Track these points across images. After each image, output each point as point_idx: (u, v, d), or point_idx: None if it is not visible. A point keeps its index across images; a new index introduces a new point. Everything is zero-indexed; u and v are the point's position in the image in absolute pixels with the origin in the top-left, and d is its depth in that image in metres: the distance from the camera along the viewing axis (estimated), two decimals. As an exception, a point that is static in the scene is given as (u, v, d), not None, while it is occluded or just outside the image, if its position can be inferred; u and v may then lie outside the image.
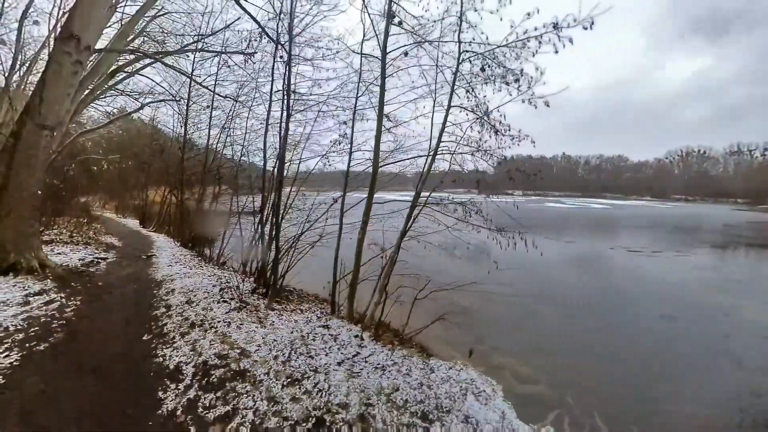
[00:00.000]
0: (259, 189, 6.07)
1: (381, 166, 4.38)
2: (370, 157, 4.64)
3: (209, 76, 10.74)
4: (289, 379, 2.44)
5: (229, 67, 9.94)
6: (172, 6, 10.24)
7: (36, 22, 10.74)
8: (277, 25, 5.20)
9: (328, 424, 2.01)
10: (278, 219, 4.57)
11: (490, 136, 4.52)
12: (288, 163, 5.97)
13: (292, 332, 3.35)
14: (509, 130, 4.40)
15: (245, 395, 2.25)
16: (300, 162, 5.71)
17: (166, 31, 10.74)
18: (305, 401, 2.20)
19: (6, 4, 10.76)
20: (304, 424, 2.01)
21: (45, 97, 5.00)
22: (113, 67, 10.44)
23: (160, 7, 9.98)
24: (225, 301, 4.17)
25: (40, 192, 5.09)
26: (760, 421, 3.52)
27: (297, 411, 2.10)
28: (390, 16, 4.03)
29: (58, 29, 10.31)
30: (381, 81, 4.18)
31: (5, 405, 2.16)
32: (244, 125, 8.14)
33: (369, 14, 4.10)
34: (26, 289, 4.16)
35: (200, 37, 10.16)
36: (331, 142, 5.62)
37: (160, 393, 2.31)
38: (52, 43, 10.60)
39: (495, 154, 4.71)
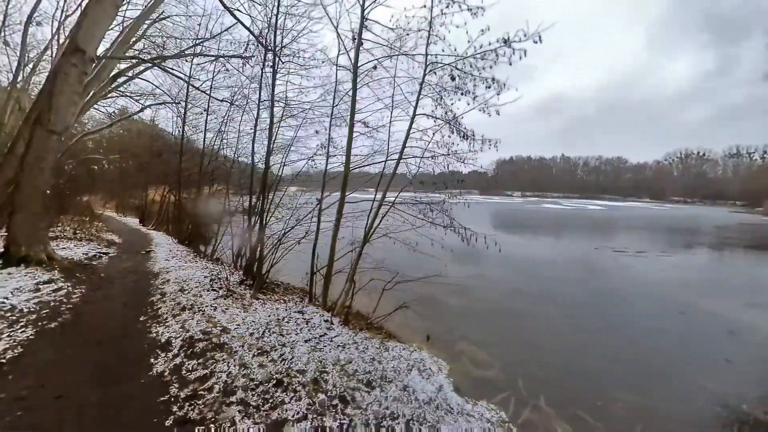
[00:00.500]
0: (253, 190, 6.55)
1: (353, 169, 4.85)
2: (359, 158, 5.14)
3: (206, 81, 11.25)
4: (259, 351, 2.92)
5: (227, 71, 10.43)
6: (171, 9, 10.72)
7: (39, 24, 11.23)
8: (266, 37, 5.72)
9: (285, 384, 2.49)
10: (263, 219, 5.04)
11: (461, 141, 4.92)
12: (280, 165, 6.48)
13: (269, 316, 3.84)
14: (473, 135, 4.82)
15: (221, 362, 2.73)
16: (284, 165, 6.18)
17: (166, 35, 11.25)
18: (270, 367, 2.67)
19: (10, 6, 11.27)
20: (267, 384, 2.48)
21: (53, 104, 5.49)
22: (115, 72, 10.97)
23: (161, 12, 10.47)
24: (214, 290, 4.66)
25: (48, 191, 5.58)
26: (702, 406, 3.75)
27: (262, 374, 2.57)
28: (359, 37, 4.51)
29: (62, 32, 10.88)
30: (353, 92, 4.66)
31: (25, 368, 2.64)
32: (238, 128, 8.62)
33: (339, 35, 4.59)
34: (36, 279, 4.65)
35: (199, 40, 10.64)
36: (316, 146, 6.12)
37: (152, 360, 2.79)
38: (55, 45, 11.16)
39: (468, 157, 5.06)
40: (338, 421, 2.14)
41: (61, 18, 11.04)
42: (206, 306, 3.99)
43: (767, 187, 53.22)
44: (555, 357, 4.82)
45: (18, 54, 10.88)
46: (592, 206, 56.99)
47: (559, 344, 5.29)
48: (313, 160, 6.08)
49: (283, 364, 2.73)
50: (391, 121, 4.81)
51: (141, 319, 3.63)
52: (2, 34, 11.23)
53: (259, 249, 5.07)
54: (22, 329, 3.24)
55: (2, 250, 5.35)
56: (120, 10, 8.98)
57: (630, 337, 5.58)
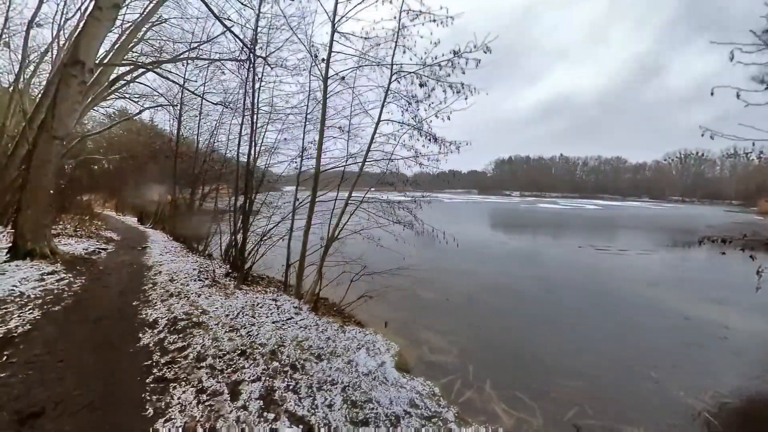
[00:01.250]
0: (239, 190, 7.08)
1: (327, 170, 5.36)
2: (333, 161, 5.66)
3: (201, 84, 11.77)
4: (231, 328, 3.45)
5: (223, 73, 10.93)
6: (169, 12, 11.19)
7: (39, 25, 11.73)
8: (252, 45, 6.24)
9: (248, 354, 3.01)
10: (246, 218, 5.57)
11: (430, 143, 5.38)
12: (265, 166, 7.00)
13: (246, 302, 4.37)
14: (435, 139, 5.29)
15: (198, 336, 3.26)
16: (268, 166, 6.70)
17: (163, 38, 11.75)
18: (237, 341, 3.20)
19: (11, 7, 11.79)
20: (233, 354, 3.01)
21: (56, 113, 6.01)
22: (114, 76, 11.51)
23: (158, 15, 10.97)
24: (201, 281, 5.20)
25: (51, 191, 6.11)
26: (642, 393, 4.00)
27: (230, 346, 3.10)
28: (330, 50, 5.03)
29: (62, 35, 11.42)
30: (323, 101, 5.17)
31: (33, 340, 3.17)
32: (228, 131, 9.14)
33: (311, 52, 5.11)
34: (41, 270, 5.19)
35: (194, 44, 11.13)
36: (298, 148, 6.63)
37: (140, 335, 3.32)
38: (55, 48, 11.70)
39: (437, 158, 5.47)
40: (286, 382, 2.66)
41: (61, 21, 11.57)
42: (192, 293, 4.52)
43: (761, 187, 53.66)
44: (510, 346, 5.16)
45: (20, 57, 11.43)
46: (589, 206, 57.38)
47: (516, 335, 5.62)
48: (295, 162, 6.61)
49: (249, 339, 3.26)
50: (351, 127, 5.32)
51: (133, 303, 4.16)
52: (3, 36, 11.72)
53: (241, 244, 5.59)
54: (30, 311, 3.77)
55: (10, 244, 5.90)
56: (119, 14, 9.52)
57: (584, 329, 5.99)
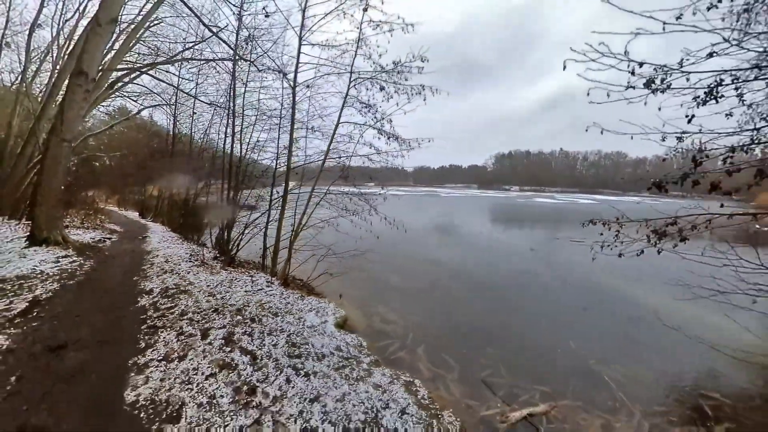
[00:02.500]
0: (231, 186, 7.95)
1: (296, 167, 6.21)
2: (309, 157, 6.51)
3: (195, 85, 12.57)
4: (210, 295, 4.35)
5: (219, 73, 11.66)
6: (165, 11, 11.87)
7: (39, 26, 12.48)
8: (234, 52, 7.05)
9: (219, 311, 3.91)
10: (234, 208, 6.44)
11: (392, 141, 6.13)
12: (253, 162, 7.85)
13: (226, 277, 5.27)
14: (396, 137, 6.06)
15: (183, 300, 4.16)
16: (254, 162, 7.56)
17: (159, 38, 12.48)
18: (213, 302, 4.11)
19: (11, 8, 12.57)
20: (208, 311, 3.91)
21: (64, 118, 6.87)
22: (112, 79, 12.32)
23: (155, 17, 11.67)
24: (191, 262, 6.11)
25: (62, 187, 7.01)
26: (558, 362, 4.38)
27: (206, 305, 4.01)
28: (297, 60, 5.87)
29: (62, 36, 12.24)
30: (292, 106, 6.00)
31: (54, 303, 4.08)
32: (218, 131, 9.97)
33: (279, 69, 5.93)
34: (56, 254, 6.10)
35: (191, 43, 11.84)
36: (282, 146, 7.48)
37: (138, 299, 4.23)
38: (55, 49, 12.52)
39: (398, 154, 6.21)
40: (244, 329, 3.56)
41: (60, 22, 12.37)
42: (182, 271, 5.43)
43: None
44: (454, 323, 5.57)
45: (22, 58, 12.26)
46: (585, 200, 57.86)
47: (463, 314, 6.01)
48: (278, 158, 7.45)
49: (222, 301, 4.17)
50: (322, 127, 6.17)
51: (134, 279, 5.07)
52: (5, 37, 12.48)
53: (228, 232, 6.48)
54: (50, 284, 4.68)
55: (28, 234, 6.81)
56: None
57: (529, 310, 6.33)
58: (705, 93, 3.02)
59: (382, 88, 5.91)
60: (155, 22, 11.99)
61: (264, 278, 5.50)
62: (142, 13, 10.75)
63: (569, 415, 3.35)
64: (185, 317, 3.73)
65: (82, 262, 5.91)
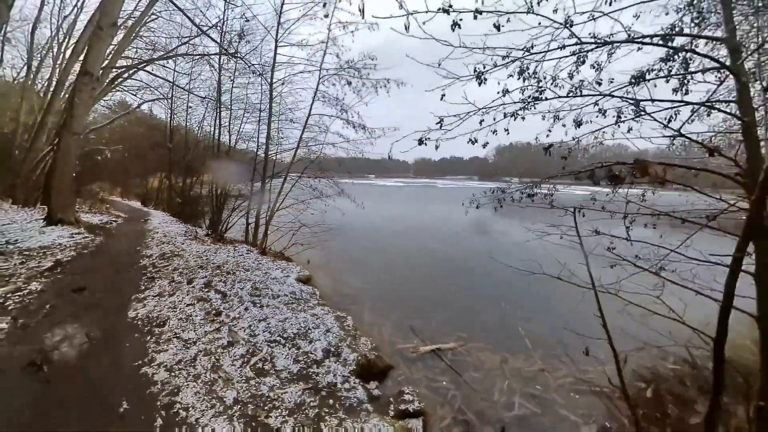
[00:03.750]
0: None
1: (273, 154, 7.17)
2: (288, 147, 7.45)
3: (192, 80, 13.42)
4: (197, 257, 5.36)
5: (213, 67, 12.44)
6: (159, 6, 12.56)
7: (40, 22, 13.25)
8: (220, 47, 7.92)
9: (203, 267, 4.91)
10: (224, 194, 7.41)
11: (359, 131, 7.01)
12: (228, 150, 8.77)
13: (212, 247, 6.27)
14: (362, 128, 6.94)
15: (176, 260, 5.17)
16: (240, 151, 8.50)
17: (156, 33, 13.23)
18: (199, 261, 5.11)
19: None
20: (194, 267, 4.91)
21: (74, 114, 7.84)
22: (113, 75, 13.20)
23: (151, 13, 12.41)
24: (185, 236, 7.12)
25: (74, 175, 8.02)
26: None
27: (194, 263, 5.01)
28: (274, 62, 6.76)
29: (61, 32, 13.11)
30: (269, 102, 6.90)
31: (74, 264, 5.10)
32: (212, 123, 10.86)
33: (257, 71, 6.82)
34: (71, 232, 7.12)
35: (186, 38, 12.61)
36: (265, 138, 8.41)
37: (140, 260, 5.25)
38: (55, 45, 13.40)
39: (366, 142, 7.08)
40: (220, 278, 4.56)
41: (59, 18, 13.20)
42: (177, 242, 6.46)
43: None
44: (403, 288, 6.16)
45: (23, 53, 13.17)
46: (579, 191, 57.91)
47: (414, 282, 6.71)
48: (258, 149, 8.37)
49: (207, 261, 5.18)
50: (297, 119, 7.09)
51: (137, 248, 6.10)
52: (4, 33, 13.28)
53: (218, 212, 7.47)
54: (68, 252, 5.71)
55: (44, 215, 7.85)
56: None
57: (472, 283, 6.99)
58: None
59: (348, 83, 6.77)
60: (152, 17, 12.72)
61: (245, 248, 6.50)
62: (138, 9, 11.51)
63: (474, 352, 4.05)
64: (176, 271, 4.74)
65: (93, 237, 6.93)
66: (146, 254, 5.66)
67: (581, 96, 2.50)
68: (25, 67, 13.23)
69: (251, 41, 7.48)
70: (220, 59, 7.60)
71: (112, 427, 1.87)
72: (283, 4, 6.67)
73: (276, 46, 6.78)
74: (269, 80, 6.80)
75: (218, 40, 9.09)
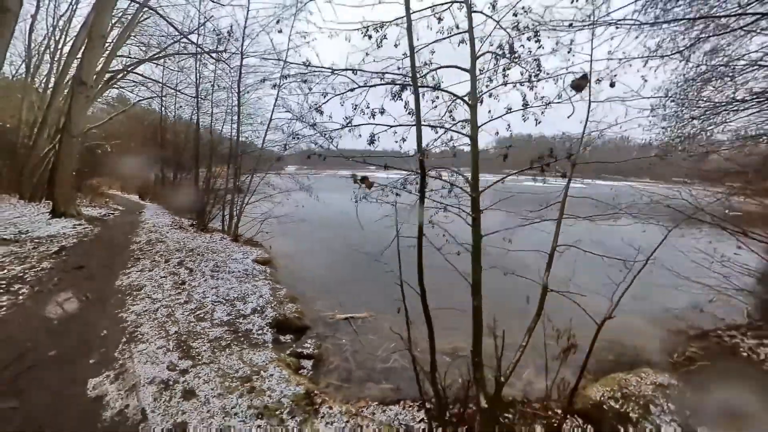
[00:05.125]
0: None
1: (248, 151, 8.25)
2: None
3: (185, 78, 14.34)
4: (177, 243, 6.54)
5: (204, 65, 13.31)
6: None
7: (35, 20, 14.07)
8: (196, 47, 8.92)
9: (180, 250, 6.09)
10: (208, 187, 8.53)
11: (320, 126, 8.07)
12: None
13: (193, 235, 7.43)
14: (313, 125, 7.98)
15: (159, 245, 6.36)
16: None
17: (148, 34, 14.09)
18: (178, 246, 6.29)
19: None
20: (173, 250, 6.09)
21: (71, 118, 8.92)
22: (107, 77, 14.14)
23: (142, 14, 13.26)
24: (171, 227, 8.29)
25: (74, 173, 9.16)
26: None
27: (173, 247, 6.19)
28: (239, 77, 7.77)
29: (56, 31, 14.00)
30: (238, 108, 7.96)
31: (76, 249, 6.28)
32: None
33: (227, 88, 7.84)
34: (73, 223, 8.31)
35: (176, 37, 13.47)
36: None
37: (131, 246, 6.44)
38: (53, 44, 14.30)
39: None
40: (191, 258, 5.72)
41: (54, 17, 14.10)
42: (163, 231, 7.64)
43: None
44: (352, 274, 6.52)
45: (21, 51, 14.16)
46: (575, 185, 58.25)
47: (366, 268, 7.73)
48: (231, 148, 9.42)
49: (183, 245, 6.35)
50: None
51: (129, 236, 7.28)
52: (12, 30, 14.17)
53: (203, 205, 8.62)
54: (71, 239, 6.89)
55: (50, 209, 9.03)
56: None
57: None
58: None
59: (305, 81, 7.77)
60: (144, 17, 13.52)
61: (220, 236, 7.67)
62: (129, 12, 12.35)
63: (382, 321, 4.74)
64: (157, 253, 5.91)
65: (92, 227, 8.13)
66: (135, 241, 6.84)
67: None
68: (24, 65, 14.26)
69: (227, 48, 8.46)
70: (197, 63, 8.62)
71: (97, 340, 3.05)
72: (246, 19, 7.66)
73: (242, 59, 7.78)
74: (237, 89, 7.84)
75: (196, 42, 10.12)
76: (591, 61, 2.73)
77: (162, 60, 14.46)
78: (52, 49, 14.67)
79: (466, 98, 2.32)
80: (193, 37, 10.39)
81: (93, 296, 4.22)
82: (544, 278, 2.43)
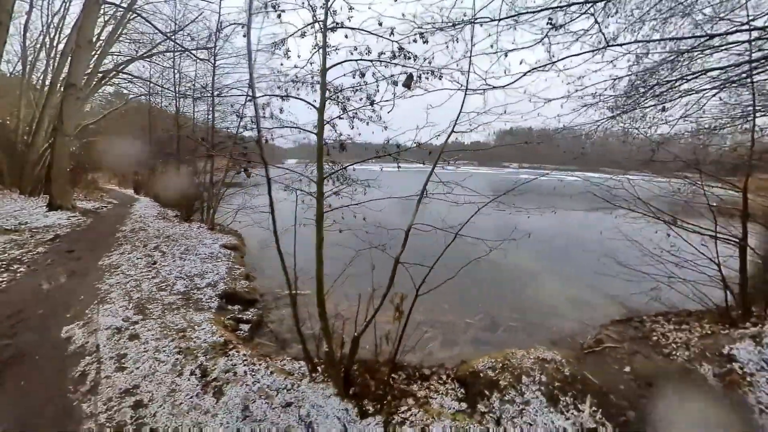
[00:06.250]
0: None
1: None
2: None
3: (168, 79, 15.03)
4: (157, 230, 7.41)
5: (195, 61, 13.92)
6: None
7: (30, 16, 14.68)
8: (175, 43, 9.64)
9: (158, 236, 6.96)
10: (191, 185, 9.36)
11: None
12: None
13: (174, 224, 8.29)
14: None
15: (141, 233, 7.24)
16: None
17: (140, 31, 14.68)
18: (157, 233, 7.16)
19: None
20: (152, 236, 6.96)
21: (64, 118, 9.72)
22: (100, 75, 14.82)
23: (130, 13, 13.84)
24: (156, 217, 9.16)
25: (69, 169, 10.02)
26: None
27: (152, 234, 7.07)
28: (213, 86, 8.49)
29: (51, 29, 14.66)
30: (212, 110, 8.69)
31: (70, 236, 7.17)
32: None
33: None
34: (68, 215, 9.20)
35: (171, 33, 14.11)
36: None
37: (117, 234, 7.32)
38: (48, 41, 14.95)
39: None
40: (166, 243, 6.59)
41: (49, 13, 14.73)
42: (147, 221, 8.53)
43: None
44: (312, 257, 8.71)
45: (19, 50, 14.88)
46: (570, 177, 58.42)
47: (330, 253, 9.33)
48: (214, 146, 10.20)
49: (162, 233, 7.22)
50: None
51: (117, 226, 8.17)
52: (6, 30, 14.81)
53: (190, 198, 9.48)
54: (65, 229, 7.78)
55: (47, 202, 9.92)
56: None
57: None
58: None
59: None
60: (132, 16, 14.10)
61: (197, 225, 8.53)
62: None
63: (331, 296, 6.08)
64: (138, 240, 6.78)
65: (85, 219, 9.02)
66: (122, 229, 7.72)
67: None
68: (20, 63, 14.97)
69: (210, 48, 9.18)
70: (175, 62, 9.38)
71: (75, 303, 3.92)
72: (219, 23, 8.34)
73: (215, 59, 8.50)
74: (211, 92, 8.58)
75: (178, 41, 10.84)
76: (470, 56, 3.02)
77: (153, 57, 15.14)
78: (47, 47, 15.33)
79: (315, 103, 3.00)
80: (188, 36, 11.10)
81: (78, 272, 5.09)
82: (398, 253, 3.16)
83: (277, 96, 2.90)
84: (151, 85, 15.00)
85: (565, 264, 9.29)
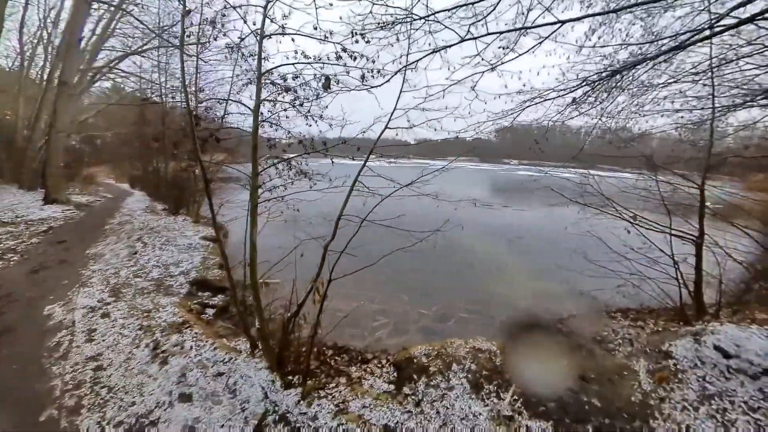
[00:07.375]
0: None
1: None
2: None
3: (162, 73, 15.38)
4: (142, 223, 7.94)
5: (190, 57, 14.17)
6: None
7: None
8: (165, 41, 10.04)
9: (143, 228, 7.49)
10: (179, 181, 9.85)
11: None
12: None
13: (160, 218, 8.82)
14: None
15: (127, 225, 7.77)
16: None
17: (133, 25, 14.93)
18: (141, 225, 7.69)
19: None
20: (137, 229, 7.49)
21: (58, 116, 10.19)
22: (93, 72, 15.16)
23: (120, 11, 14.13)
24: (144, 211, 9.70)
25: (63, 165, 10.54)
26: None
27: (137, 226, 7.61)
28: (187, 93, 8.91)
29: (47, 26, 14.98)
30: (195, 98, 9.13)
31: (63, 228, 7.72)
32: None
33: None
34: (62, 208, 9.74)
35: (161, 30, 14.40)
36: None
37: (106, 227, 7.86)
38: (45, 36, 15.24)
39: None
40: (148, 234, 7.12)
41: (45, 9, 15.01)
42: (135, 215, 9.07)
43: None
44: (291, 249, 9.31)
45: (15, 45, 15.25)
46: (566, 174, 58.32)
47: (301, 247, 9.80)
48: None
49: (146, 225, 7.75)
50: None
51: (107, 219, 8.71)
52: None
53: (178, 193, 9.97)
54: (59, 222, 8.33)
55: (43, 196, 10.47)
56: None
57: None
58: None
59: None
60: (123, 14, 14.39)
61: (183, 218, 9.06)
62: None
63: (288, 284, 6.52)
64: (124, 232, 7.31)
65: (78, 212, 9.57)
66: (110, 222, 8.26)
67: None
68: (24, 62, 15.37)
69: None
70: (160, 56, 9.81)
71: (59, 286, 4.46)
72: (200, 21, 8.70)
73: (197, 58, 8.85)
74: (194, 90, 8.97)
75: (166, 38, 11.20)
76: (407, 54, 3.14)
77: (145, 52, 15.45)
78: (45, 42, 15.64)
79: (250, 105, 3.44)
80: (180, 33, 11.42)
81: (66, 261, 5.63)
82: (326, 242, 3.61)
83: (217, 99, 3.32)
84: (142, 80, 15.39)
85: (536, 259, 9.56)
